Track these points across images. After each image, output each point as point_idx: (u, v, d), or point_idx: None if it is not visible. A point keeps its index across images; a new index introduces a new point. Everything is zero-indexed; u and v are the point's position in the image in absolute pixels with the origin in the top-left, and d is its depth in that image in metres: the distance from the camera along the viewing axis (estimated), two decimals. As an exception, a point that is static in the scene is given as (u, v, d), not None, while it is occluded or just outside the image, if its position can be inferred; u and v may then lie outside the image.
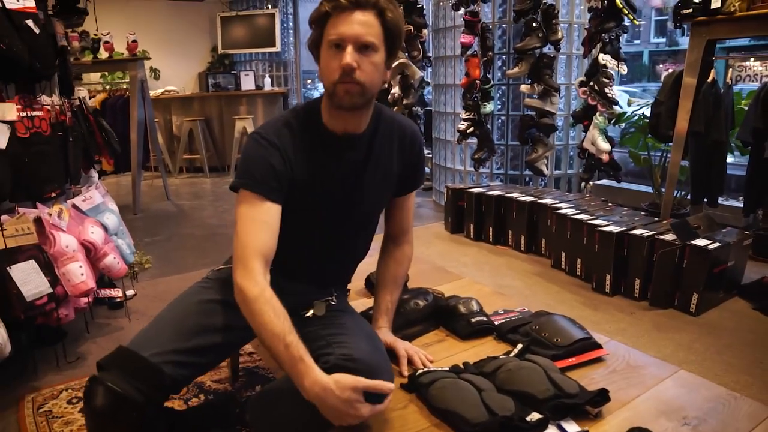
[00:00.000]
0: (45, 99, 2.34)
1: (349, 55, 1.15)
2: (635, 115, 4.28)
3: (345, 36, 1.16)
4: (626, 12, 3.74)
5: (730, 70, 3.19)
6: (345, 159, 1.31)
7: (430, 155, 5.28)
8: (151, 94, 5.53)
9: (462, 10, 4.21)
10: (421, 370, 1.28)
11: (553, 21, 3.96)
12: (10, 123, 2.02)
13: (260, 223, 1.18)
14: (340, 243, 1.40)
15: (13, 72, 2.04)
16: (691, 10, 3.08)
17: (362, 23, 1.16)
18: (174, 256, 3.77)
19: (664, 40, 15.65)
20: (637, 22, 3.90)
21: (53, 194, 2.31)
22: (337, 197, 1.32)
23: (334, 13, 1.17)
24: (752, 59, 4.04)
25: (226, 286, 1.29)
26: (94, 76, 7.16)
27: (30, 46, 2.02)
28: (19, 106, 2.10)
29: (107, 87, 6.22)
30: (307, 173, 1.27)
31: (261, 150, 1.23)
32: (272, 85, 8.08)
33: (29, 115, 2.16)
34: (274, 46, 8.24)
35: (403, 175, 1.41)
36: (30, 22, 2.06)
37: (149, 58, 6.09)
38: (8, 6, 1.97)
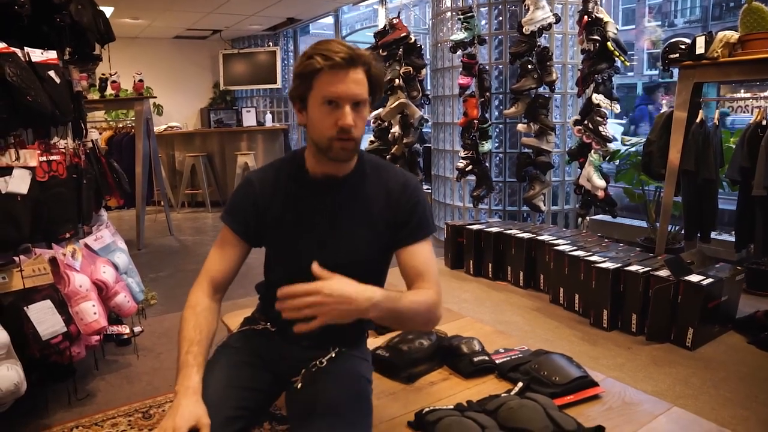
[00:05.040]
0: (60, 143, 2.44)
1: (349, 116, 1.21)
2: (629, 152, 4.40)
3: (342, 96, 1.21)
4: (617, 54, 3.89)
5: (717, 111, 3.32)
6: (323, 199, 1.34)
7: (430, 191, 5.39)
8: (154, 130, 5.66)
9: (459, 52, 4.37)
10: (427, 409, 1.35)
11: (548, 63, 4.11)
12: (31, 168, 2.11)
13: (220, 251, 1.39)
14: None
15: (37, 121, 2.14)
16: (677, 55, 3.23)
17: (356, 81, 1.22)
18: (179, 293, 3.82)
19: (657, 72, 16.02)
20: (627, 64, 4.06)
21: (68, 235, 2.38)
22: (315, 235, 1.34)
23: (327, 70, 1.20)
24: (742, 91, 4.19)
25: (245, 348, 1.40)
26: (99, 113, 7.33)
27: (51, 96, 2.13)
28: (39, 152, 2.20)
29: (111, 123, 6.36)
30: (282, 210, 1.36)
31: (241, 188, 1.41)
32: (273, 121, 8.25)
33: (47, 159, 2.26)
34: (275, 82, 8.45)
35: (395, 224, 1.35)
36: (52, 73, 2.18)
37: (155, 97, 6.25)
38: (34, 59, 2.09)
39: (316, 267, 1.13)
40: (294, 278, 1.37)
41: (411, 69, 4.78)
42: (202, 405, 1.15)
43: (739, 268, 3.07)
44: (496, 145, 4.59)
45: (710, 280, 2.73)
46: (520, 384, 1.48)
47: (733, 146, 3.31)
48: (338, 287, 1.11)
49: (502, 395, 1.41)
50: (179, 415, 1.10)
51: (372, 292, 1.16)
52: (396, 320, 1.27)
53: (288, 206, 1.36)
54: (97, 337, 2.37)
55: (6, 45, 1.99)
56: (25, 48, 2.11)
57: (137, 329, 2.96)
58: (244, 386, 1.28)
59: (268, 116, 8.17)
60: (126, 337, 2.86)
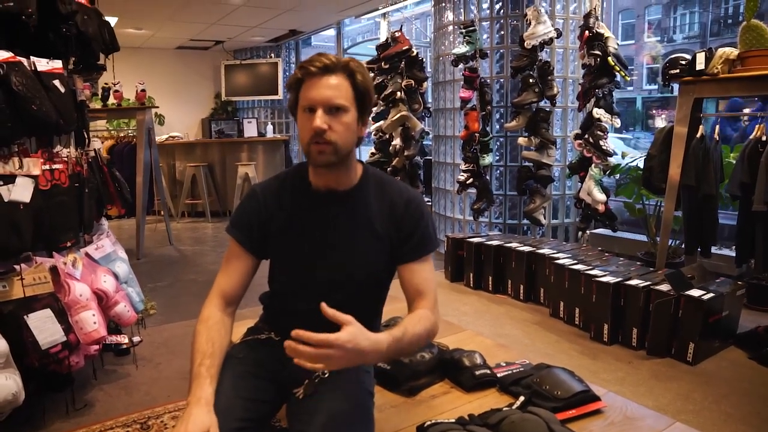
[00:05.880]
0: (63, 151, 2.45)
1: (319, 118, 1.23)
2: (629, 166, 4.42)
3: (315, 100, 1.24)
4: (618, 69, 3.92)
5: (717, 126, 3.33)
6: (324, 212, 1.36)
7: (430, 203, 5.40)
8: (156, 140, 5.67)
9: (461, 66, 4.39)
10: (429, 422, 1.34)
11: (549, 77, 4.13)
12: (34, 177, 2.12)
13: (228, 265, 1.39)
14: (332, 304, 1.33)
15: (41, 130, 2.15)
16: (678, 71, 3.25)
17: (331, 87, 1.24)
18: (178, 303, 3.82)
19: (656, 87, 16.13)
20: (628, 78, 4.10)
21: (69, 243, 2.38)
22: (318, 248, 1.36)
23: (306, 79, 1.25)
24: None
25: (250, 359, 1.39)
26: (100, 122, 7.36)
27: (56, 105, 2.14)
28: (42, 160, 2.20)
29: (113, 132, 6.38)
30: (286, 222, 1.37)
31: (245, 200, 1.43)
32: (274, 132, 8.28)
33: (50, 168, 2.27)
34: (276, 93, 8.49)
35: (397, 240, 1.36)
36: (57, 82, 2.19)
37: (157, 107, 6.27)
38: (39, 69, 2.10)
39: (326, 309, 1.10)
40: (297, 290, 1.38)
41: (413, 82, 4.81)
42: (214, 416, 1.15)
43: (739, 283, 3.07)
44: (497, 158, 4.61)
45: (711, 294, 2.73)
46: (522, 398, 1.48)
47: (733, 161, 3.32)
48: (353, 343, 1.08)
49: (504, 409, 1.40)
50: (191, 423, 1.11)
51: (382, 344, 1.15)
52: (399, 355, 1.30)
53: (291, 218, 1.37)
54: (96, 347, 2.36)
55: (12, 54, 2.00)
56: (31, 57, 2.12)
57: (136, 339, 2.94)
58: (249, 397, 1.28)
59: (269, 127, 8.19)
60: (125, 347, 2.84)
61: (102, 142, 5.53)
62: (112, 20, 6.08)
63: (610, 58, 3.86)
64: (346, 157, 1.31)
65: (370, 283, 1.41)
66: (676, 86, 3.40)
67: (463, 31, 4.32)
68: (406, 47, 4.81)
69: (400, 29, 5.00)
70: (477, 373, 1.59)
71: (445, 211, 5.03)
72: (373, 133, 5.30)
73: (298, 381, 1.33)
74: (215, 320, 1.32)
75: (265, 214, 1.37)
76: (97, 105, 5.23)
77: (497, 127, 4.58)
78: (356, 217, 1.36)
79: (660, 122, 15.25)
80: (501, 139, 4.60)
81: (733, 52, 3.04)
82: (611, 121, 3.95)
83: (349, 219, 1.36)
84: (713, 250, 3.46)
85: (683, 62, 3.25)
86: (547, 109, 4.22)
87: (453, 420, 1.36)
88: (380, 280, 1.42)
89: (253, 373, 1.34)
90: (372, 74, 5.13)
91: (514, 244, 3.81)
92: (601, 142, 3.89)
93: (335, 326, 1.37)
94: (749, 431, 2.16)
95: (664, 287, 2.84)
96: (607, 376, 2.60)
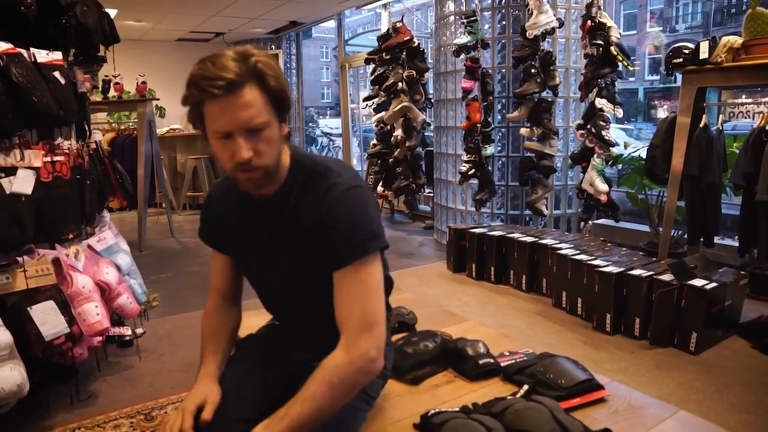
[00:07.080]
0: (64, 143, 2.44)
1: (243, 149, 1.07)
2: (631, 156, 4.40)
3: (230, 128, 1.06)
4: (620, 59, 3.91)
5: (721, 116, 3.32)
6: (259, 217, 1.27)
7: (432, 194, 5.39)
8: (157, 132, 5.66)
9: (462, 56, 4.37)
10: (433, 411, 1.34)
11: (551, 67, 4.11)
12: (36, 169, 2.11)
13: (214, 264, 1.42)
14: (301, 307, 1.32)
15: (42, 121, 2.14)
16: (681, 60, 3.23)
17: (244, 106, 1.05)
18: (181, 295, 3.82)
19: (658, 77, 16.06)
20: (630, 68, 4.08)
21: (71, 236, 2.38)
22: (259, 255, 1.30)
23: (208, 101, 1.06)
24: (744, 96, 4.20)
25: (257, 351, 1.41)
26: (101, 114, 7.35)
27: (56, 97, 2.13)
28: (44, 152, 2.20)
29: (113, 125, 6.38)
30: (232, 228, 1.33)
31: (203, 205, 1.43)
32: (275, 123, 8.24)
33: (51, 160, 2.26)
34: (277, 85, 8.45)
35: (320, 242, 1.16)
36: (57, 74, 2.18)
37: (157, 99, 6.25)
38: (39, 60, 2.09)
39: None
40: (262, 294, 1.40)
41: (414, 72, 4.80)
42: (215, 386, 1.18)
43: (742, 272, 3.06)
44: (499, 149, 4.59)
45: (714, 284, 2.72)
46: (526, 387, 1.48)
47: (736, 151, 3.31)
48: None
49: (508, 398, 1.40)
50: (189, 398, 1.15)
51: None
52: (308, 426, 1.08)
53: (235, 225, 1.33)
54: (99, 339, 2.37)
55: (12, 46, 1.99)
56: (31, 49, 2.12)
57: (139, 331, 2.94)
58: (258, 386, 1.28)
59: (270, 119, 8.16)
60: (128, 338, 2.85)
61: (103, 135, 5.53)
62: (112, 12, 6.05)
63: (612, 48, 3.84)
64: (276, 170, 1.18)
65: (317, 289, 1.22)
66: (679, 76, 3.39)
67: (465, 21, 4.29)
68: (408, 38, 4.80)
69: (401, 20, 4.98)
70: (481, 362, 1.59)
71: (447, 202, 5.02)
72: (375, 124, 5.29)
73: (307, 368, 1.33)
74: (215, 308, 1.38)
75: (217, 218, 1.36)
76: (97, 97, 5.22)
77: (499, 117, 4.56)
78: (284, 220, 1.22)
79: (662, 113, 15.19)
80: (503, 130, 4.58)
81: (737, 40, 3.02)
82: (613, 111, 3.93)
83: (278, 223, 1.23)
84: (716, 240, 3.46)
85: (686, 51, 3.23)
86: (549, 100, 4.20)
87: (457, 409, 1.36)
88: (323, 287, 1.19)
89: (261, 362, 1.34)
90: (373, 65, 5.11)
91: (516, 235, 3.80)
92: (604, 133, 3.88)
93: (316, 321, 1.34)
94: (752, 420, 2.16)
95: (667, 277, 2.83)
96: (609, 366, 2.60)
